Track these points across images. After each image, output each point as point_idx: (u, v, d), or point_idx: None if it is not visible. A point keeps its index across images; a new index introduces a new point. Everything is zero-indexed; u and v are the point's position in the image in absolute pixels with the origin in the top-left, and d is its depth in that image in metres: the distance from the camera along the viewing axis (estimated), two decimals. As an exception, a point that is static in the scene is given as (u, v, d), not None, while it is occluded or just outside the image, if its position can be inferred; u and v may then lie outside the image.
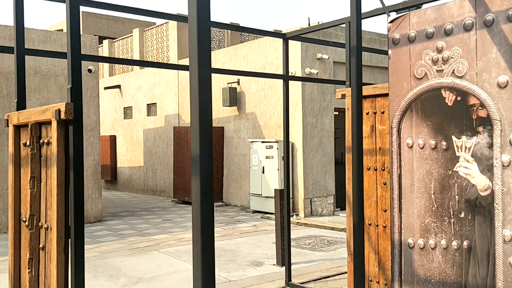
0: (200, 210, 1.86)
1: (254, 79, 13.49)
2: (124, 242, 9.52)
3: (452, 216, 2.97)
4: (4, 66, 10.75)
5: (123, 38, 20.09)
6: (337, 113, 12.93)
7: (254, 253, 8.49)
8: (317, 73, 12.20)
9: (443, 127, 3.00)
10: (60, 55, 4.51)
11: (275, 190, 7.71)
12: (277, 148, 12.17)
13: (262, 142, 12.57)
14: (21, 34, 3.63)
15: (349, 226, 5.32)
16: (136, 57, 18.66)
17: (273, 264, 7.69)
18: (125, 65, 19.53)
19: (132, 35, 19.46)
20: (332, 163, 12.67)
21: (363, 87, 4.52)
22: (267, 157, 12.41)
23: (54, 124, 2.83)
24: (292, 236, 9.67)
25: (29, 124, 3.15)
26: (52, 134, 2.85)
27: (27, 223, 3.14)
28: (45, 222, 3.04)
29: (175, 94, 16.43)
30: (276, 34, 6.77)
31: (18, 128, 3.47)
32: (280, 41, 12.71)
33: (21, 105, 3.60)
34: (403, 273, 3.23)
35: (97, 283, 6.82)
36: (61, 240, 2.79)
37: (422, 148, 3.11)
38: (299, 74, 12.10)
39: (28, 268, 3.13)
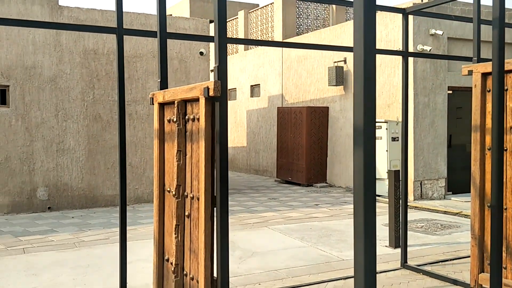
0: (363, 186, 1.90)
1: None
2: (234, 218, 9.89)
3: None
4: (126, 50, 11.50)
5: (229, 21, 20.57)
6: (450, 92, 12.31)
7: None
8: (430, 50, 11.67)
9: None
10: (207, 38, 4.73)
11: (389, 171, 7.57)
12: (386, 129, 11.88)
13: (370, 122, 12.31)
14: (163, 19, 3.87)
15: (473, 208, 5.10)
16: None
17: (386, 246, 7.60)
18: (230, 48, 20.04)
19: (237, 17, 19.86)
20: (444, 145, 12.12)
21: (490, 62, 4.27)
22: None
23: (202, 101, 3.01)
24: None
25: (175, 101, 3.37)
26: (200, 110, 3.03)
27: (174, 192, 3.39)
28: (191, 192, 3.26)
29: (278, 75, 16.58)
30: (395, 9, 6.56)
31: (162, 105, 3.73)
32: (390, 17, 12.30)
33: (163, 84, 3.86)
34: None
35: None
36: (208, 209, 2.99)
37: None
38: (410, 50, 11.64)
39: (175, 234, 3.38)
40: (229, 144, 19.36)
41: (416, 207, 10.88)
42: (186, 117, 3.34)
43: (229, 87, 18.86)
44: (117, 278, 6.07)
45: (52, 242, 8.01)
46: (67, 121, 11.06)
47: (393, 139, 11.89)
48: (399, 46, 11.91)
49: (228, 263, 2.94)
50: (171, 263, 3.53)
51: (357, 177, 1.91)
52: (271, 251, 7.40)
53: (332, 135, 14.32)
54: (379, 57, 12.57)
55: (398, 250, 7.33)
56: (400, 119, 11.95)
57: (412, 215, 10.03)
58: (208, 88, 2.91)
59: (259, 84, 17.69)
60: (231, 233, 8.54)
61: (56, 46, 10.91)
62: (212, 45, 20.11)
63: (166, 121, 3.70)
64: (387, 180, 11.47)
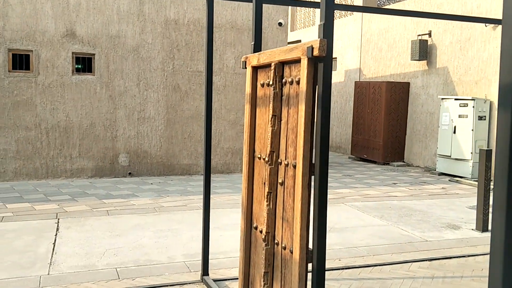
0: None
1: (449, 30, 12.45)
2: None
3: None
4: (204, 21, 11.51)
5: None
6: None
7: (447, 215, 8.03)
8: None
9: None
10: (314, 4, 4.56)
11: (481, 150, 7.08)
12: (473, 107, 11.18)
13: (456, 99, 11.65)
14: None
15: None
16: (318, 12, 18.55)
17: (472, 229, 7.18)
18: (305, 20, 19.63)
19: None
20: (537, 126, 11.24)
21: None
22: (460, 116, 11.50)
23: (304, 62, 2.84)
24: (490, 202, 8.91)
25: (272, 64, 3.23)
26: (301, 72, 2.87)
27: (266, 159, 3.28)
28: (285, 159, 3.14)
29: (357, 48, 16.05)
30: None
31: (255, 69, 3.60)
32: (483, -13, 11.43)
33: (257, 47, 3.73)
34: None
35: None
36: (306, 176, 2.85)
37: None
38: (504, 24, 10.80)
39: (266, 201, 3.28)
40: (302, 119, 19.08)
41: (503, 190, 10.21)
42: (283, 80, 3.20)
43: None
44: (196, 243, 6.17)
45: (133, 206, 8.26)
46: (148, 91, 11.30)
47: (480, 118, 11.19)
48: (494, 16, 11.07)
49: (326, 235, 2.80)
50: (260, 231, 3.45)
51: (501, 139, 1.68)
52: (350, 228, 7.21)
53: (413, 112, 13.72)
54: (468, 30, 11.81)
55: (486, 234, 6.91)
56: (488, 97, 11.21)
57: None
58: (312, 48, 2.74)
59: (335, 58, 17.23)
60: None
61: (139, 15, 11.10)
62: (290, 15, 19.72)
63: (259, 85, 3.58)
64: (471, 161, 10.87)
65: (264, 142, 3.48)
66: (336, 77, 17.15)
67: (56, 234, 6.50)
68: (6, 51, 10.20)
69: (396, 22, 14.20)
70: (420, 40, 12.90)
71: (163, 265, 5.43)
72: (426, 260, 5.76)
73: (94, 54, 10.86)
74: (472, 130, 11.22)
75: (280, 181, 3.20)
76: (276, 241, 3.25)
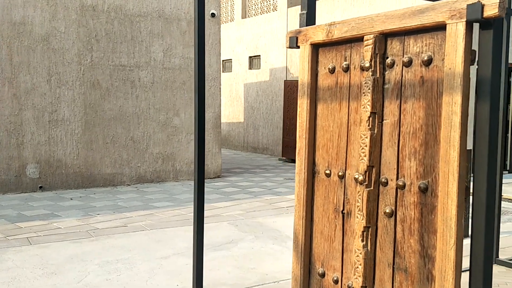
0: None
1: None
2: (261, 201, 8.75)
3: None
4: (129, 9, 10.03)
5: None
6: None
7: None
8: None
9: None
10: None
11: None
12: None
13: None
14: None
15: None
16: (238, 7, 17.62)
17: (454, 236, 6.63)
18: (225, 15, 18.60)
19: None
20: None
21: None
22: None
23: (457, 28, 1.82)
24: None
25: (368, 37, 2.17)
26: (447, 44, 1.85)
27: (360, 178, 2.22)
28: (398, 178, 2.10)
29: (282, 46, 15.33)
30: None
31: (316, 48, 2.51)
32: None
33: (311, 19, 2.64)
34: None
35: (265, 246, 6.04)
36: (461, 208, 1.83)
37: None
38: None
39: (362, 240, 2.22)
40: (223, 120, 18.11)
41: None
42: (387, 61, 2.15)
43: (223, 58, 17.55)
44: (163, 278, 4.88)
45: (59, 230, 6.66)
46: (61, 88, 9.55)
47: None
48: None
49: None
50: (335, 281, 2.37)
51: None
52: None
53: (346, 111, 13.25)
54: None
55: (467, 241, 6.39)
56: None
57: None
58: (481, 5, 1.73)
59: (259, 56, 16.40)
60: (268, 219, 7.43)
61: (49, -1, 9.33)
62: (223, 6, 18.51)
63: (324, 71, 2.50)
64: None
65: (338, 152, 2.41)
66: (261, 75, 16.33)
67: (-34, 278, 4.83)
68: None
69: (324, 19, 13.67)
70: (354, 36, 12.45)
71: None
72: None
73: (-7, 44, 8.90)
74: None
75: (387, 211, 2.15)
76: (377, 300, 2.20)
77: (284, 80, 14.47)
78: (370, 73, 2.18)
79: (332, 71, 2.45)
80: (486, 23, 1.76)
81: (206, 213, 7.93)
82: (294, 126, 13.69)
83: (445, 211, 1.86)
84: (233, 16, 17.97)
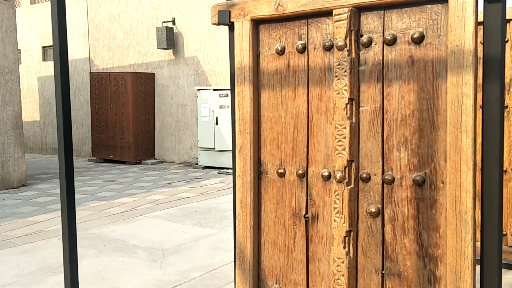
0: None
1: (195, 18, 11.97)
2: (88, 209, 7.78)
3: None
4: None
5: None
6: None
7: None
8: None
9: None
10: None
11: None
12: (233, 96, 11.00)
13: (215, 90, 11.28)
14: None
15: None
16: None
17: (298, 221, 6.83)
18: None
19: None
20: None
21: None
22: (221, 107, 11.19)
23: (461, 0, 1.64)
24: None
25: (338, 11, 1.86)
26: (453, 18, 1.65)
27: (339, 175, 1.90)
28: (384, 172, 1.85)
29: (83, 35, 14.03)
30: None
31: (257, 25, 2.11)
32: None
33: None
34: None
35: (114, 261, 5.31)
36: (474, 199, 1.67)
37: None
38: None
39: (344, 247, 1.92)
40: (14, 120, 15.83)
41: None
42: (363, 39, 1.88)
43: (10, 48, 15.28)
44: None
45: None
46: None
47: (240, 107, 11.12)
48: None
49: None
50: None
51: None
52: (183, 246, 5.87)
53: (161, 105, 12.77)
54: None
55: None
56: (246, 86, 11.25)
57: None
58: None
59: (50, 46, 14.70)
60: (104, 228, 6.63)
61: None
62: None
63: (270, 52, 2.11)
64: (236, 151, 10.74)
65: (295, 147, 2.06)
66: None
67: None
68: None
69: (132, 7, 12.92)
70: (166, 27, 12.02)
71: None
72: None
73: None
74: (235, 120, 11.06)
75: (372, 210, 1.89)
76: (362, 312, 1.93)
77: (90, 72, 13.26)
78: (346, 53, 1.88)
79: (281, 52, 2.08)
80: (495, -6, 1.62)
81: (25, 230, 6.69)
82: (106, 122, 12.67)
83: (458, 205, 1.68)
84: (20, 1, 15.76)
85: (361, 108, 1.90)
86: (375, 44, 1.86)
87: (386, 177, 1.85)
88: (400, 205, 1.84)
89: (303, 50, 2.02)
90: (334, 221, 1.94)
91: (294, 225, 2.09)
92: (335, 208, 1.93)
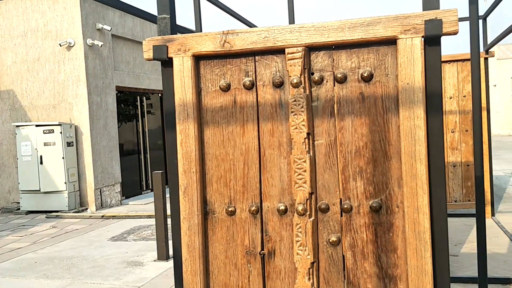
0: None
1: (9, 48, 10.84)
2: None
3: None
4: None
5: None
6: (117, 92, 11.74)
7: (111, 254, 7.01)
8: (101, 46, 10.77)
9: None
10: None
11: (156, 174, 6.56)
12: (60, 133, 10.18)
13: (38, 126, 10.27)
14: None
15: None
16: None
17: (154, 260, 6.58)
18: None
19: None
20: (117, 148, 11.44)
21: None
22: (45, 144, 10.23)
23: (413, 43, 1.84)
24: (118, 232, 8.44)
25: (301, 50, 1.93)
26: (403, 58, 1.85)
27: (300, 208, 1.93)
28: (342, 202, 1.95)
29: None
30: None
31: (198, 61, 2.05)
32: (48, 3, 10.57)
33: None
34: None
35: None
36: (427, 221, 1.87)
37: None
38: (81, 44, 10.41)
39: (309, 279, 1.94)
40: None
41: (114, 216, 9.85)
42: (315, 77, 1.97)
43: None
44: None
45: None
46: None
47: (68, 144, 10.35)
48: (61, 38, 10.48)
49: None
50: None
51: None
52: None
53: (-32, 145, 11.12)
54: (35, 50, 10.73)
55: (171, 262, 6.45)
56: (74, 121, 10.56)
57: (122, 225, 9.03)
58: (440, 22, 1.81)
59: None
60: None
61: None
62: None
63: (213, 89, 2.07)
64: (66, 191, 10.01)
65: (246, 183, 2.04)
66: None
67: None
68: None
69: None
70: (-27, 57, 10.61)
71: None
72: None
73: None
74: (63, 158, 10.21)
75: (333, 239, 1.96)
76: None
77: None
78: (302, 90, 1.92)
79: (226, 89, 2.02)
80: (436, 39, 1.86)
81: None
82: None
83: (417, 226, 1.84)
84: None
85: (316, 142, 1.97)
86: (327, 82, 1.96)
87: (345, 206, 1.95)
88: (359, 232, 1.95)
89: (251, 86, 2.02)
90: (297, 254, 1.95)
91: (248, 263, 2.04)
92: (297, 241, 1.95)
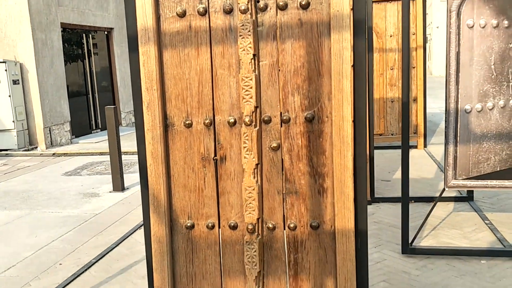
0: None
1: None
2: None
3: (510, 80, 3.91)
4: None
5: None
6: (62, 29, 11.49)
7: (66, 187, 7.24)
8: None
9: (505, 9, 3.82)
10: None
11: (108, 108, 6.74)
12: (6, 70, 9.99)
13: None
14: None
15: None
16: None
17: (110, 192, 6.88)
18: None
19: None
20: (64, 87, 11.35)
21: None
22: (-10, 80, 10.04)
23: (340, -23, 2.17)
24: (71, 168, 8.63)
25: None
26: (332, -9, 2.18)
27: (247, 119, 2.29)
28: (282, 114, 2.32)
29: None
30: None
31: (159, -12, 2.31)
32: None
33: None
34: (458, 135, 4.00)
35: None
36: (350, 128, 2.28)
37: (483, 27, 3.86)
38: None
39: (254, 177, 2.34)
40: None
41: (66, 153, 9.96)
42: (260, 4, 2.28)
43: None
44: None
45: None
46: None
47: (14, 82, 10.20)
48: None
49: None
50: (210, 227, 2.44)
51: None
52: (-8, 232, 5.41)
53: None
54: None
55: (128, 193, 6.76)
56: (19, 59, 10.37)
57: (73, 162, 9.19)
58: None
59: None
60: None
61: None
62: None
63: (171, 15, 2.33)
64: (15, 130, 10.01)
65: (201, 100, 2.37)
66: None
67: None
68: None
69: None
70: None
71: None
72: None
73: None
74: (10, 96, 10.08)
75: (274, 145, 2.34)
76: (269, 225, 2.40)
77: None
78: (249, 16, 2.22)
79: (182, 15, 2.29)
80: (361, -25, 2.19)
81: None
82: None
83: (341, 131, 2.23)
84: None
85: (261, 63, 2.30)
86: (270, 9, 2.27)
87: (284, 118, 2.32)
88: (295, 138, 2.33)
89: (205, 13, 2.30)
90: (245, 157, 2.32)
91: (204, 167, 2.40)
92: (244, 147, 2.32)
